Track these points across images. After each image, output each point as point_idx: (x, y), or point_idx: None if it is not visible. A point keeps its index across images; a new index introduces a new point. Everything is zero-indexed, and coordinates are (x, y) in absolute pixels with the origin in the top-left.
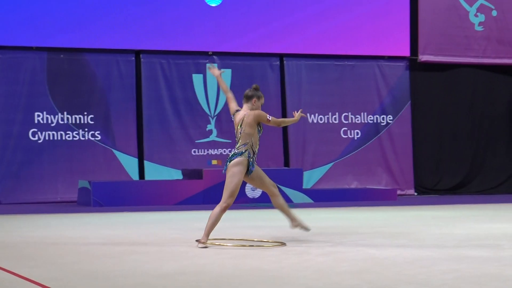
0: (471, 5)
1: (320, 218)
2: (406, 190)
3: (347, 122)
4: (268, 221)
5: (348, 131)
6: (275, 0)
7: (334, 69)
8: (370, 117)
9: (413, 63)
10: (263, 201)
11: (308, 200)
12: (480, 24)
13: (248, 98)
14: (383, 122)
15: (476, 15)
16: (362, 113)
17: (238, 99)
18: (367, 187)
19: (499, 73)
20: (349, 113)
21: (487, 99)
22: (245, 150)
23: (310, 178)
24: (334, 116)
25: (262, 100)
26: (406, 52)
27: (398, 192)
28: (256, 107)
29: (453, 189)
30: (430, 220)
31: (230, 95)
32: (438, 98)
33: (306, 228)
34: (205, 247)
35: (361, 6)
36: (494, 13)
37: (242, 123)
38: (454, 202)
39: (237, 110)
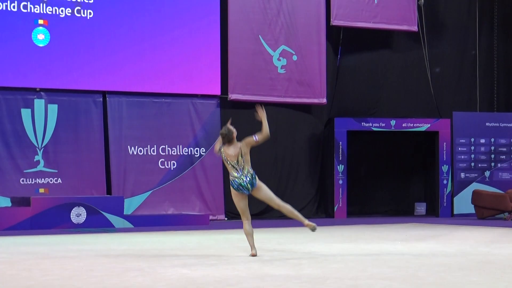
0: (274, 50)
1: (139, 242)
2: (217, 215)
3: (164, 154)
4: (91, 245)
5: (165, 162)
6: (98, 41)
7: (152, 106)
8: (185, 150)
9: (223, 101)
10: (87, 226)
11: (129, 225)
12: (282, 67)
13: (230, 139)
14: (197, 154)
15: (279, 59)
16: (178, 146)
17: (61, 134)
18: (182, 213)
19: (299, 111)
20: (166, 146)
21: (289, 134)
22: (253, 171)
23: (131, 205)
24: (153, 148)
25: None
26: (217, 91)
27: (210, 217)
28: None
29: (259, 214)
30: (238, 242)
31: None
32: (246, 133)
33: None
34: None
35: (177, 49)
36: (295, 57)
37: (241, 154)
38: (260, 226)
39: (221, 147)
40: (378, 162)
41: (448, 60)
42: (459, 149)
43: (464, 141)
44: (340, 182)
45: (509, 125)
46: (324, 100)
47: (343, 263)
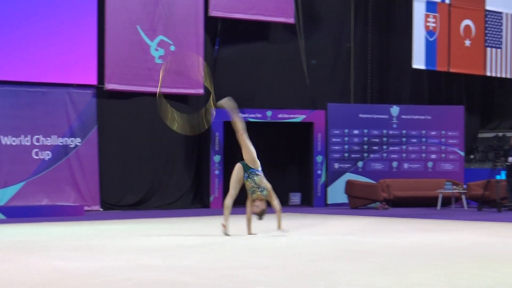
0: (152, 40)
1: (12, 233)
2: (93, 206)
3: (38, 144)
4: None
5: (39, 152)
6: None
7: (26, 95)
8: (60, 140)
9: (100, 91)
10: None
11: (1, 216)
12: (160, 57)
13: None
14: (72, 145)
15: (156, 49)
16: (52, 136)
17: None
18: (57, 203)
19: (176, 101)
20: (41, 136)
21: (165, 124)
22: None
23: (3, 195)
24: (26, 139)
25: None
26: (94, 81)
27: (85, 208)
28: None
29: (135, 205)
30: (113, 233)
31: None
32: (123, 123)
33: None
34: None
35: (52, 37)
36: (172, 47)
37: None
38: (136, 216)
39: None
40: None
41: (323, 52)
42: (333, 140)
43: (338, 132)
44: (217, 172)
45: (381, 116)
46: (201, 91)
47: (218, 253)
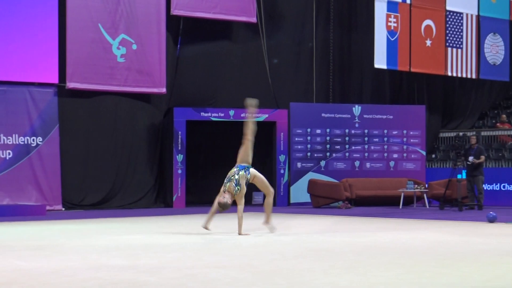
0: (114, 39)
1: None
2: (55, 205)
3: None
4: None
5: (0, 152)
6: None
7: None
8: (21, 139)
9: (61, 90)
10: None
11: None
12: (122, 56)
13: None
14: (33, 143)
15: (118, 48)
16: (13, 135)
17: None
18: (18, 203)
19: (139, 100)
20: (1, 135)
21: (128, 123)
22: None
23: None
24: None
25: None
26: (55, 80)
27: (47, 207)
28: None
29: (97, 204)
30: (74, 232)
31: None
32: (85, 122)
33: (272, 229)
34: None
35: (12, 35)
36: (134, 46)
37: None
38: (98, 216)
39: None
40: (216, 151)
41: (285, 52)
42: (296, 139)
43: (300, 131)
44: (179, 171)
45: (344, 116)
46: (164, 90)
47: (180, 253)
